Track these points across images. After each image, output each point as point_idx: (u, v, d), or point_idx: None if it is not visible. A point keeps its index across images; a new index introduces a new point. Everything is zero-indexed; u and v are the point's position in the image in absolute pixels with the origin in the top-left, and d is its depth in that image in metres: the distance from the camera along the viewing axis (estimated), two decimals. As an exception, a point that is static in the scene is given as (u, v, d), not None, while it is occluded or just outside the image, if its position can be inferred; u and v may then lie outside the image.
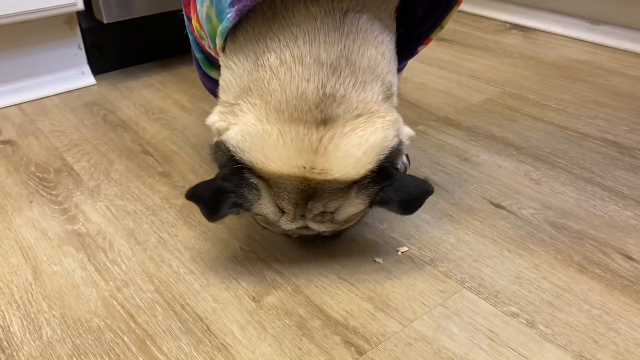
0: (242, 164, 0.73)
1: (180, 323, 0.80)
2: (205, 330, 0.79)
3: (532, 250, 0.90)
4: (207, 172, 1.14)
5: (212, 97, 1.02)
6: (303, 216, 0.77)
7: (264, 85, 0.72)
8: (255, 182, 0.74)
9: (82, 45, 1.56)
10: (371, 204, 0.77)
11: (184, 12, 0.96)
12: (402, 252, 0.91)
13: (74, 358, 0.75)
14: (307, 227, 0.80)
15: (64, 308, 0.83)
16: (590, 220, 0.96)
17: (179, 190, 1.09)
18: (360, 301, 0.82)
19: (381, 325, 0.78)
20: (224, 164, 0.76)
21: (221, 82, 0.81)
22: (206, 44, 0.90)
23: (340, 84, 0.71)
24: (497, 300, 0.81)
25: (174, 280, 0.88)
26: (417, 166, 1.12)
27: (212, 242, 0.95)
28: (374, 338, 0.76)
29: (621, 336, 0.75)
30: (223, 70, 0.80)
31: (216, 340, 0.77)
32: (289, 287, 0.85)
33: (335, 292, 0.84)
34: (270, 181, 0.74)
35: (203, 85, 1.06)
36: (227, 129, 0.76)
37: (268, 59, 0.72)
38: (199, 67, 0.98)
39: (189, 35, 0.97)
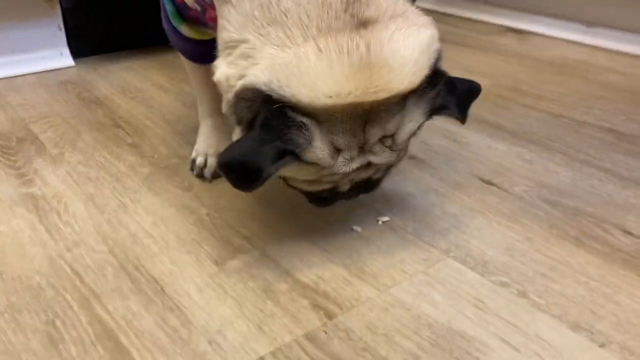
0: (282, 103, 0.59)
1: (132, 283, 0.72)
2: (159, 291, 0.70)
3: (524, 224, 0.83)
4: (181, 145, 1.07)
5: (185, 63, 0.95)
6: (362, 148, 0.64)
7: (273, 8, 0.60)
8: (304, 120, 0.60)
9: (62, 26, 1.50)
10: (431, 114, 0.66)
11: None
12: (382, 222, 0.83)
13: (6, 315, 0.66)
14: (366, 167, 0.67)
15: (4, 266, 0.74)
16: (587, 199, 0.89)
17: (147, 160, 1.01)
18: (333, 267, 0.74)
19: (355, 291, 0.70)
20: (256, 113, 0.61)
21: (221, 20, 0.66)
22: None
23: None
24: (484, 270, 0.74)
25: (130, 242, 0.79)
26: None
27: (176, 208, 0.87)
28: (347, 302, 0.68)
29: (621, 308, 0.67)
30: (219, 4, 0.67)
31: (170, 301, 0.69)
32: (257, 252, 0.77)
33: (308, 257, 0.76)
34: (320, 117, 0.60)
35: (172, 43, 0.95)
36: (242, 76, 0.62)
37: None
38: (168, 22, 0.90)
39: None
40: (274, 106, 0.59)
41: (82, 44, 1.56)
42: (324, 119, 0.60)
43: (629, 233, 0.80)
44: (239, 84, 0.62)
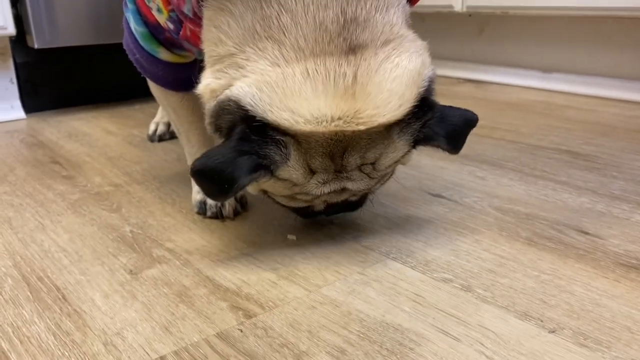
0: (262, 122, 0.58)
1: (30, 293, 0.64)
2: (59, 299, 0.62)
3: (473, 228, 0.77)
4: (117, 175, 1.01)
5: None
6: (338, 173, 0.62)
7: (273, 23, 0.58)
8: (283, 139, 0.59)
9: (14, 80, 1.49)
10: (415, 144, 0.64)
11: None
12: (290, 238, 0.76)
13: None
14: (341, 191, 0.65)
15: None
16: (541, 205, 0.84)
17: (78, 188, 0.95)
18: (261, 272, 0.67)
19: (282, 292, 0.63)
20: (235, 123, 0.59)
21: (211, 32, 0.63)
22: (155, 5, 0.74)
23: (361, 7, 0.59)
24: (427, 269, 0.67)
25: (40, 257, 0.72)
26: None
27: (99, 227, 0.80)
28: (270, 303, 0.61)
29: (575, 297, 0.60)
30: (215, 15, 0.62)
31: (69, 307, 0.61)
32: (177, 262, 0.70)
33: (234, 264, 0.69)
34: (298, 137, 0.59)
35: (141, 69, 0.85)
36: (228, 86, 0.60)
37: None
38: (140, 49, 0.81)
39: (128, 7, 0.79)
40: (255, 123, 0.57)
41: (35, 99, 1.53)
42: (303, 140, 0.59)
43: (585, 232, 0.75)
44: (224, 94, 0.60)
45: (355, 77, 0.57)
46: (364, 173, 0.64)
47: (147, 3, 0.76)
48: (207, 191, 0.61)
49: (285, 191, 0.65)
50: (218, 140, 0.64)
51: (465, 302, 0.60)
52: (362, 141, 0.60)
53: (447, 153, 0.66)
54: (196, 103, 0.89)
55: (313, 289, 0.63)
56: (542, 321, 0.56)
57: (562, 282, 0.63)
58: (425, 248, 0.72)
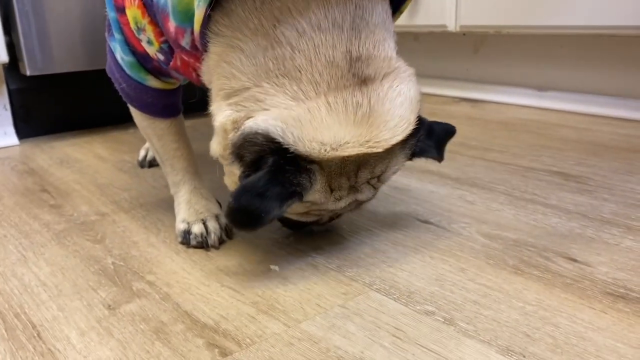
0: (294, 153, 0.62)
1: (6, 331, 0.63)
2: (34, 337, 0.61)
3: (459, 256, 0.76)
4: (105, 203, 1.01)
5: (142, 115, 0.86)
6: (352, 188, 0.69)
7: (288, 63, 0.63)
8: (310, 167, 0.64)
9: (7, 106, 1.49)
10: (411, 157, 0.72)
11: (109, 9, 0.78)
12: (272, 269, 0.75)
13: None
14: (350, 203, 0.71)
15: None
16: (530, 231, 0.82)
17: (64, 218, 0.95)
18: (241, 305, 0.66)
19: (260, 328, 0.61)
20: (261, 154, 0.63)
21: (222, 67, 0.66)
22: (145, 37, 0.74)
23: (362, 46, 0.65)
24: (409, 300, 0.65)
25: (19, 292, 0.71)
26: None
27: (81, 259, 0.80)
28: (247, 339, 0.59)
29: (560, 330, 0.59)
30: (225, 51, 0.66)
31: (43, 345, 0.60)
32: (157, 296, 0.69)
33: (214, 298, 0.68)
34: (323, 163, 0.64)
35: (127, 99, 0.84)
36: (247, 118, 0.64)
37: (282, 33, 0.63)
38: (127, 77, 0.81)
39: (115, 36, 0.79)
40: (288, 154, 0.62)
41: (29, 125, 1.54)
42: (326, 165, 0.64)
43: (573, 260, 0.73)
44: (248, 126, 0.63)
45: (369, 106, 0.64)
46: (371, 185, 0.70)
47: (136, 35, 0.76)
48: (242, 222, 0.64)
49: (302, 209, 0.70)
50: (232, 168, 0.68)
51: (447, 337, 0.58)
52: (371, 159, 0.66)
53: (435, 161, 0.77)
54: (181, 128, 0.89)
55: (292, 324, 0.62)
56: (524, 356, 0.55)
57: (547, 314, 0.62)
58: (410, 278, 0.70)
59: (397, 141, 0.66)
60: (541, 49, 1.66)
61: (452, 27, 1.72)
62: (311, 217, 0.73)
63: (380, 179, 0.70)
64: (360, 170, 0.67)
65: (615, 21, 1.36)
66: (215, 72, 0.68)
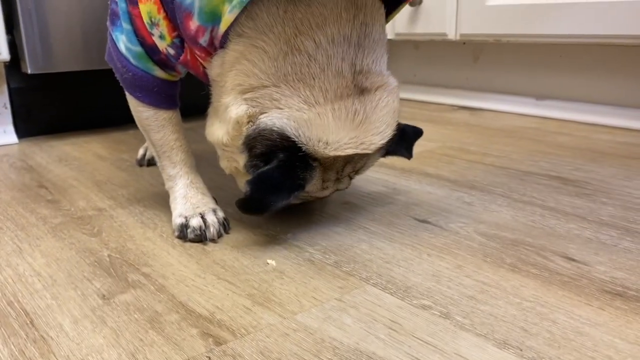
0: (304, 151, 0.71)
1: (-2, 318, 0.62)
2: (26, 324, 0.61)
3: (457, 254, 0.75)
4: (102, 199, 1.00)
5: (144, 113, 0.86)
6: (337, 180, 0.79)
7: (304, 69, 0.70)
8: (314, 164, 0.74)
9: (8, 105, 1.49)
10: (385, 155, 0.83)
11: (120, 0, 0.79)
12: (269, 264, 0.75)
13: None
14: (334, 190, 0.83)
15: None
16: (528, 231, 0.82)
17: (61, 212, 0.94)
18: (236, 297, 0.66)
19: (255, 318, 0.61)
20: (272, 149, 0.72)
21: (243, 64, 0.71)
22: (158, 32, 0.76)
23: (364, 60, 0.73)
24: (406, 295, 0.65)
25: (13, 281, 0.71)
26: (341, 194, 0.99)
27: (77, 251, 0.79)
28: (242, 330, 0.59)
29: (558, 325, 0.58)
30: (247, 49, 0.71)
31: (36, 332, 0.59)
32: (152, 287, 0.69)
33: (209, 290, 0.67)
34: (322, 160, 0.74)
35: (129, 89, 0.85)
36: (261, 113, 0.71)
37: (302, 42, 0.70)
38: (131, 66, 0.81)
39: (121, 27, 0.79)
40: (300, 153, 0.71)
41: (28, 124, 1.54)
42: (324, 162, 0.74)
43: (571, 259, 0.73)
44: (263, 122, 0.71)
45: (365, 113, 0.73)
46: (350, 177, 0.82)
47: (148, 29, 0.77)
48: (253, 209, 0.74)
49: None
50: (236, 156, 0.76)
51: (443, 330, 0.58)
52: (357, 156, 0.76)
53: (404, 159, 0.89)
54: (180, 121, 0.89)
55: (288, 315, 0.61)
56: (521, 350, 0.54)
57: (545, 310, 0.61)
58: (407, 274, 0.70)
59: (383, 144, 0.76)
60: (540, 58, 1.67)
61: (452, 35, 1.73)
62: (297, 200, 0.82)
63: (358, 172, 0.82)
64: (345, 166, 0.77)
65: (613, 30, 1.37)
66: (233, 67, 0.73)
